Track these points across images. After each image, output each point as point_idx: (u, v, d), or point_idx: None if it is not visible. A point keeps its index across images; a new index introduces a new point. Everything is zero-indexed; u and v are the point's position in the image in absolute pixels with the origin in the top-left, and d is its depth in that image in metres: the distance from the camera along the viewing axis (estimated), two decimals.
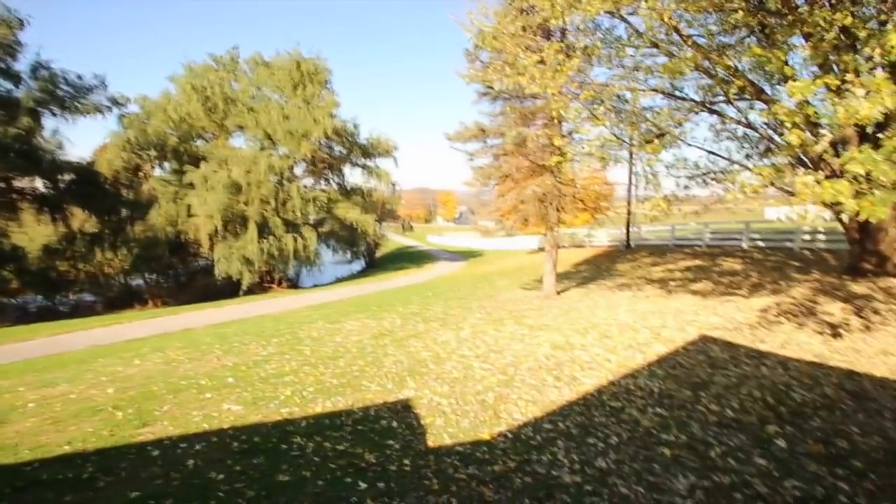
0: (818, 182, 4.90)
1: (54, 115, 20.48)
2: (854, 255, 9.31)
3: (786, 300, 8.89)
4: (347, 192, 27.11)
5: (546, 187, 10.47)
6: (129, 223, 24.90)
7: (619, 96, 9.31)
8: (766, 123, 7.20)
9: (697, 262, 15.02)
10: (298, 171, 25.78)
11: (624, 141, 8.51)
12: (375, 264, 38.97)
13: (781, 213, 28.62)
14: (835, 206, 5.40)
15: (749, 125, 8.70)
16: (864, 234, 8.85)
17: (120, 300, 24.78)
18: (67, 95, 20.16)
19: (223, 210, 21.69)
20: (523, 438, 4.79)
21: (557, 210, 11.49)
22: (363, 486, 4.02)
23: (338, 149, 26.19)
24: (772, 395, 5.21)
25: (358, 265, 39.44)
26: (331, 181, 27.59)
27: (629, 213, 22.16)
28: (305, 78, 23.55)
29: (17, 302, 23.25)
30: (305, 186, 25.18)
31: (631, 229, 22.18)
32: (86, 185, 22.94)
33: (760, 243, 15.62)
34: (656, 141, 8.47)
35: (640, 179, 10.70)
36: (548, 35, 9.87)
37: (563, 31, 10.73)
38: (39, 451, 5.04)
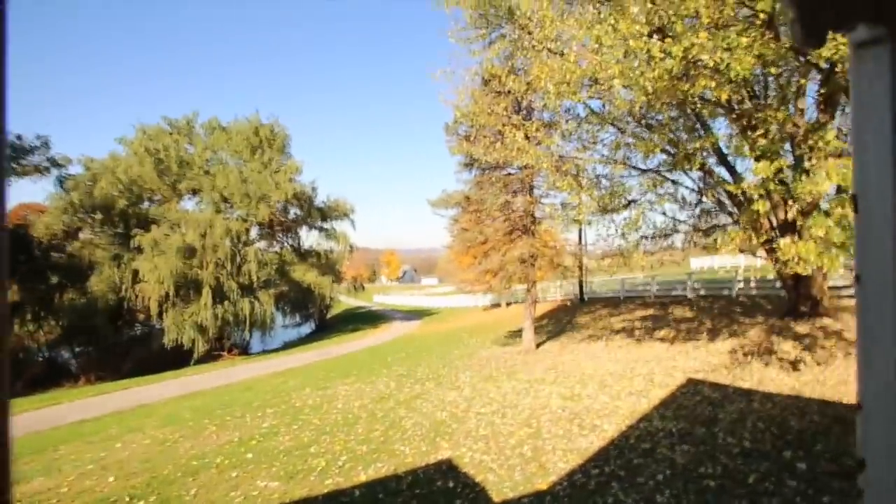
0: (794, 243, 6.04)
1: None
2: (791, 300, 10.85)
3: (745, 342, 10.10)
4: (302, 255, 26.84)
5: (531, 248, 11.38)
6: (59, 291, 22.87)
7: (589, 169, 10.64)
8: (729, 194, 8.51)
9: (651, 311, 16.40)
10: (253, 233, 25.32)
11: (607, 209, 9.65)
12: (327, 326, 37.89)
13: (704, 263, 31.85)
14: (789, 262, 6.58)
15: (700, 191, 10.25)
16: (797, 282, 10.40)
17: (45, 378, 22.09)
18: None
19: (175, 275, 20.64)
20: (578, 485, 5.14)
21: (534, 268, 12.39)
22: None
23: (294, 211, 26.19)
24: (774, 426, 6.00)
25: (307, 328, 38.12)
26: (284, 243, 27.25)
27: (581, 268, 23.68)
28: (264, 143, 23.79)
29: None
30: (261, 249, 24.69)
31: (583, 284, 23.70)
32: (11, 249, 21.07)
33: (702, 292, 17.43)
34: (632, 206, 9.73)
35: (594, 239, 12.01)
36: (528, 114, 11.07)
37: (531, 110, 12.08)
38: None
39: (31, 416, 11.65)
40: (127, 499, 5.74)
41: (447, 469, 5.88)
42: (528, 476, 5.46)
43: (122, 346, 25.21)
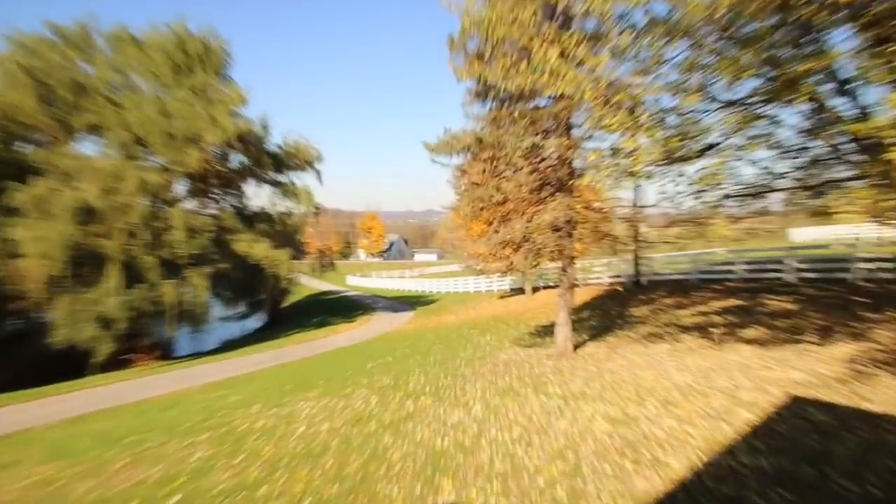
0: None
1: None
2: None
3: (871, 347, 10.09)
4: (249, 219, 26.87)
5: (567, 211, 11.24)
6: None
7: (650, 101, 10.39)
8: (851, 136, 8.31)
9: (735, 301, 16.42)
10: (180, 189, 25.29)
11: (675, 157, 9.47)
12: (283, 318, 38.25)
13: (811, 234, 31.73)
14: None
15: (809, 133, 10.03)
16: None
17: None
18: None
19: (68, 246, 20.67)
20: None
21: (572, 239, 12.32)
22: None
23: (237, 158, 26.07)
24: None
25: (255, 321, 38.51)
26: (224, 203, 27.23)
27: (637, 240, 23.61)
28: (194, 62, 23.46)
29: None
30: (191, 211, 24.72)
31: (640, 261, 23.68)
32: None
33: (808, 275, 17.38)
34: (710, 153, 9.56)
35: (657, 199, 11.85)
36: (565, 23, 10.76)
37: (569, 18, 11.70)
38: None
39: None
40: None
41: None
42: None
43: None
